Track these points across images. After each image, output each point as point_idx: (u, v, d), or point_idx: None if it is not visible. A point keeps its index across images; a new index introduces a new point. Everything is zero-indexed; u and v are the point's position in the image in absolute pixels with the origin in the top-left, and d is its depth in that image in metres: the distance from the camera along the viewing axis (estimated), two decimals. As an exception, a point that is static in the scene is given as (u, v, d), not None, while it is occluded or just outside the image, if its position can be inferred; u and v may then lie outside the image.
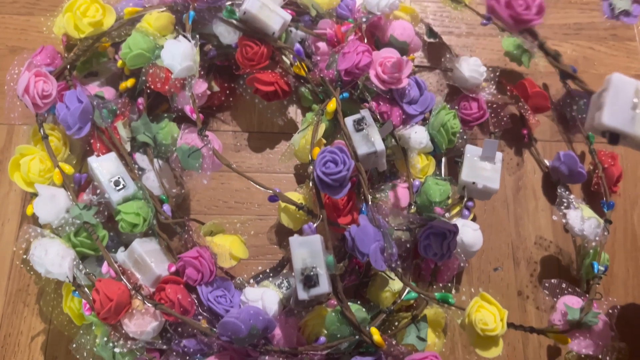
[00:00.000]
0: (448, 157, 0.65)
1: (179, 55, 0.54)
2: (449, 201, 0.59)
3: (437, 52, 0.77)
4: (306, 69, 0.67)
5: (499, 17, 0.56)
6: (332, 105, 0.60)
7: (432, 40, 0.77)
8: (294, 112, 0.73)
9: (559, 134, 0.74)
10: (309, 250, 0.50)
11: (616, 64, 0.79)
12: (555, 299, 0.57)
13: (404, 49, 0.67)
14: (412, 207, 0.59)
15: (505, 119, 0.68)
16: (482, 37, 0.79)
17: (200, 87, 0.65)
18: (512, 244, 0.69)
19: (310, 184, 0.54)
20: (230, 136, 0.72)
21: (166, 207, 0.59)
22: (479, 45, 0.79)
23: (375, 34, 0.69)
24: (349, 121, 0.58)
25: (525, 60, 0.73)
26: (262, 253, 0.66)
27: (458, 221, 0.58)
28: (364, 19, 0.65)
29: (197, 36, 0.58)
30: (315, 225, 0.52)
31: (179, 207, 0.66)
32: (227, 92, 0.71)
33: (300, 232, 0.55)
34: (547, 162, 0.71)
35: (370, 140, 0.56)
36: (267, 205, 0.68)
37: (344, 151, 0.52)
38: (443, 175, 0.64)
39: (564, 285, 0.57)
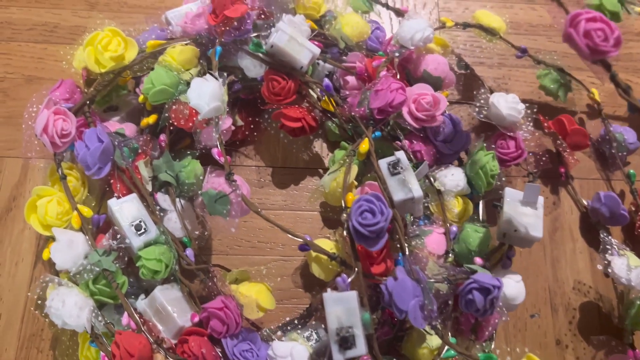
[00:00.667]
0: (486, 199, 0.62)
1: (207, 95, 0.51)
2: (489, 248, 0.56)
3: (468, 84, 0.74)
4: (335, 105, 0.64)
5: (575, 44, 0.53)
6: (364, 145, 0.57)
7: (463, 71, 0.74)
8: (319, 146, 0.70)
9: (597, 172, 0.71)
10: (344, 307, 0.46)
11: (655, 97, 0.75)
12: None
13: (437, 85, 0.64)
14: (450, 255, 0.56)
15: (544, 158, 0.65)
16: (514, 68, 0.76)
17: (225, 123, 0.62)
18: (549, 288, 0.65)
19: (344, 233, 0.51)
20: (254, 171, 0.69)
21: (189, 252, 0.56)
22: (511, 77, 0.76)
23: (406, 67, 0.66)
24: (383, 164, 0.55)
25: (562, 95, 0.70)
26: (287, 297, 0.63)
27: (499, 272, 0.54)
28: (396, 54, 0.62)
29: (225, 74, 0.55)
30: (350, 279, 0.49)
31: (199, 250, 0.63)
32: (252, 126, 0.68)
33: (332, 283, 0.52)
34: (584, 202, 0.68)
35: (407, 186, 0.53)
36: (292, 245, 0.65)
37: (380, 199, 0.49)
38: (481, 220, 0.60)
39: (613, 344, 0.54)
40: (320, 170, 0.69)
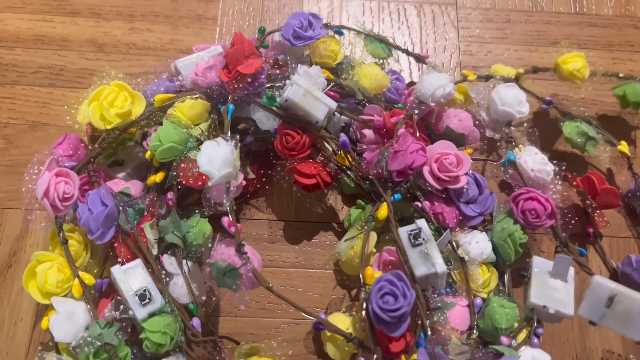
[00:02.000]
0: (512, 268, 0.58)
1: (218, 161, 0.48)
2: (515, 325, 0.52)
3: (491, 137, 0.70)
4: (351, 161, 0.61)
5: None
6: (383, 212, 0.53)
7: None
8: (334, 199, 0.67)
9: (628, 229, 0.67)
10: (363, 400, 0.43)
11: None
12: None
13: (460, 141, 0.61)
14: (474, 331, 0.52)
15: (573, 221, 0.61)
16: (540, 119, 0.72)
17: (238, 179, 0.58)
18: (577, 357, 0.61)
19: (363, 314, 0.47)
20: (265, 225, 0.66)
21: (195, 322, 0.53)
22: (537, 128, 0.71)
23: (427, 120, 0.63)
24: (403, 233, 0.52)
25: (590, 149, 0.66)
26: (298, 365, 0.59)
27: (526, 350, 0.51)
28: (415, 110, 0.59)
29: (237, 136, 0.52)
30: (369, 367, 0.45)
31: (208, 314, 0.59)
32: (263, 178, 0.65)
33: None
34: (614, 263, 0.64)
35: (429, 260, 0.49)
36: (304, 307, 0.61)
37: (402, 279, 0.45)
38: (507, 290, 0.57)
39: None
40: (335, 225, 0.66)
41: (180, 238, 0.56)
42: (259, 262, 0.51)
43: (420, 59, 0.70)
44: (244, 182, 0.61)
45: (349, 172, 0.64)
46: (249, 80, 0.56)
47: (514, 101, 0.62)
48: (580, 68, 0.66)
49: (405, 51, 0.69)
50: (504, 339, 0.51)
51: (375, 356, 0.46)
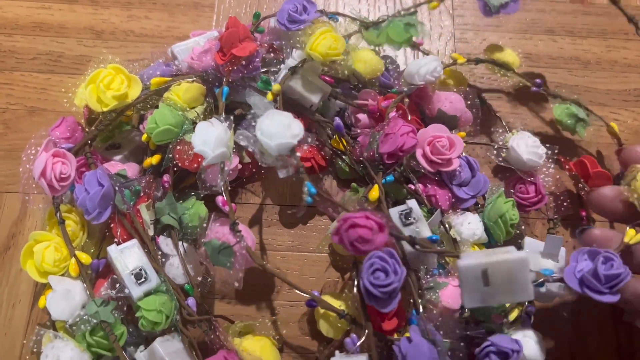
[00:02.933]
0: (503, 249, 0.59)
1: (212, 141, 0.49)
2: (507, 305, 0.53)
3: (484, 118, 0.70)
4: (345, 145, 0.62)
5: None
6: (374, 193, 0.54)
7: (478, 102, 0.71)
8: (329, 184, 0.68)
9: (620, 214, 0.67)
10: (353, 374, 0.44)
11: (681, 134, 0.72)
12: None
13: (453, 123, 0.62)
14: (466, 310, 0.53)
15: (565, 203, 0.62)
16: (532, 101, 0.73)
17: (233, 162, 0.59)
18: (568, 334, 0.61)
19: (355, 290, 0.48)
20: (260, 210, 0.66)
21: (191, 302, 0.54)
22: (529, 112, 0.72)
23: (420, 104, 0.64)
24: (394, 213, 0.52)
25: (580, 130, 0.67)
26: (293, 347, 0.60)
27: (518, 332, 0.51)
28: (404, 89, 0.60)
29: (231, 117, 0.52)
30: (359, 342, 0.46)
31: (202, 294, 0.60)
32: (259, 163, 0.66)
33: (341, 341, 0.49)
34: (606, 246, 0.65)
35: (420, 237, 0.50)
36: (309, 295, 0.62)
37: (394, 256, 0.46)
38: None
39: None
40: (330, 209, 0.66)
41: (176, 220, 0.57)
42: (253, 241, 0.52)
43: (414, 46, 0.71)
44: (240, 166, 0.62)
45: (343, 157, 0.65)
46: (244, 63, 0.56)
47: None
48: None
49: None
50: (495, 317, 0.51)
51: (366, 331, 0.46)
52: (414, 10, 0.64)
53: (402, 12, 0.64)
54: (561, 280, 0.48)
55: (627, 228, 0.51)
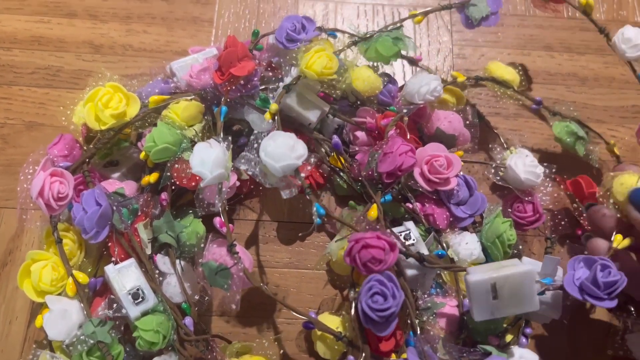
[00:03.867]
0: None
1: (210, 162, 0.49)
2: (504, 325, 0.53)
3: (483, 136, 0.70)
4: (343, 162, 0.62)
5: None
6: (373, 212, 0.54)
7: (477, 122, 0.71)
8: (327, 200, 0.68)
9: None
10: (351, 399, 0.43)
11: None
12: None
13: (451, 142, 0.62)
14: (463, 331, 0.53)
15: (562, 222, 0.62)
16: (531, 119, 0.73)
17: (231, 180, 0.59)
18: (566, 356, 0.62)
19: (352, 312, 0.48)
20: (258, 226, 0.66)
21: (188, 321, 0.53)
22: (528, 129, 0.73)
23: (419, 122, 0.64)
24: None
25: (579, 148, 0.67)
26: (290, 365, 0.60)
27: (514, 350, 0.51)
28: (404, 111, 0.60)
29: (229, 138, 0.52)
30: (357, 365, 0.46)
31: (201, 313, 0.60)
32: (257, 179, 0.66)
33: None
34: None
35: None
36: (296, 307, 0.62)
37: (393, 280, 0.46)
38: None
39: None
40: (328, 226, 0.66)
41: (173, 238, 0.57)
42: (251, 262, 0.52)
43: (413, 62, 0.71)
44: (238, 183, 0.62)
45: (341, 174, 0.65)
46: (242, 82, 0.57)
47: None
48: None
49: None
50: (492, 339, 0.51)
51: (363, 354, 0.46)
52: (400, 24, 0.64)
53: (390, 27, 0.64)
54: (561, 287, 0.49)
55: (614, 234, 0.53)
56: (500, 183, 0.61)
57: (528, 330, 0.53)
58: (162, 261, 0.57)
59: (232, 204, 0.66)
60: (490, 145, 0.70)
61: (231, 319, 0.61)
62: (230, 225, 0.51)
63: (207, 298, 0.58)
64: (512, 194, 0.62)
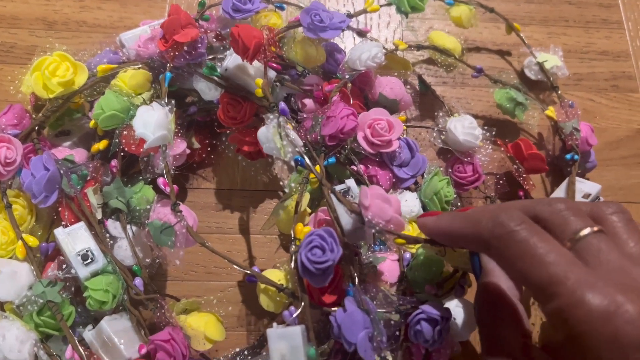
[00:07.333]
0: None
1: (152, 124, 0.51)
2: (442, 276, 0.55)
3: (429, 104, 0.73)
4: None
5: None
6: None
7: (424, 91, 0.74)
8: (279, 168, 0.69)
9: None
10: (288, 344, 0.45)
11: (618, 117, 0.75)
12: None
13: (394, 107, 0.64)
14: (403, 283, 0.55)
15: (502, 181, 0.64)
16: (477, 88, 0.76)
17: (179, 147, 0.61)
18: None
19: (292, 265, 0.50)
20: (212, 194, 0.68)
21: (138, 281, 0.55)
22: (474, 97, 0.75)
23: (364, 90, 0.66)
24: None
25: (519, 114, 0.70)
26: (241, 324, 0.62)
27: (451, 301, 0.54)
28: (347, 76, 0.62)
29: (173, 101, 0.54)
30: (296, 314, 0.48)
31: (153, 276, 0.61)
32: (209, 148, 0.67)
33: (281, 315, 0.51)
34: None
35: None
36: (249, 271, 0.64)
37: (333, 236, 0.48)
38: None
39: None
40: (280, 193, 0.68)
41: (124, 203, 0.59)
42: (195, 221, 0.54)
43: (361, 34, 0.73)
44: (188, 151, 0.63)
45: (291, 141, 0.67)
46: (186, 49, 0.58)
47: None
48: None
49: (348, 26, 0.71)
50: (429, 288, 0.54)
51: (302, 303, 0.48)
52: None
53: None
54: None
55: None
56: (441, 145, 0.63)
57: (464, 281, 0.55)
58: (113, 226, 0.58)
59: (184, 173, 0.68)
60: (435, 113, 0.72)
61: (185, 282, 0.63)
62: (174, 186, 0.53)
63: (157, 260, 0.59)
64: (454, 156, 0.64)
